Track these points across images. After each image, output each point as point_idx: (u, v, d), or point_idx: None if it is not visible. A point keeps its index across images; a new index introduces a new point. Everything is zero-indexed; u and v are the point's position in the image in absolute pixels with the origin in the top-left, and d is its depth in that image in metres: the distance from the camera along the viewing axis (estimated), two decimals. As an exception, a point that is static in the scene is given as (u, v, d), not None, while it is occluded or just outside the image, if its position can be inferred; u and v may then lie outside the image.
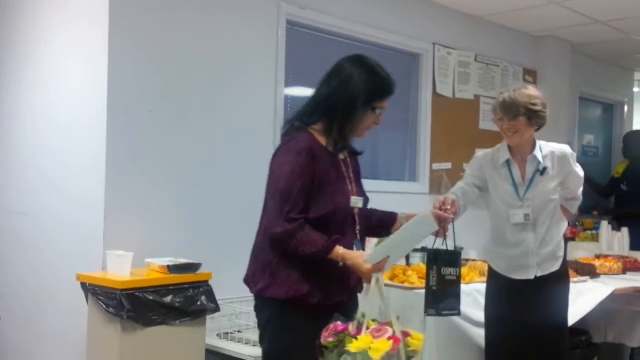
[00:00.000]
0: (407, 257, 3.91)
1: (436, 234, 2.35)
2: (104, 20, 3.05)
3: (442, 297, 2.34)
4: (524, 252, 2.96)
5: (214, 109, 3.40)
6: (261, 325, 2.34)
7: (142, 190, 3.16)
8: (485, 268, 3.57)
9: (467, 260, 3.93)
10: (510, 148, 2.99)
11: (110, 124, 3.06)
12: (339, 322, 2.03)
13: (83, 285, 2.82)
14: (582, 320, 3.63)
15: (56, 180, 3.30)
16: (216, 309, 2.90)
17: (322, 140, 2.28)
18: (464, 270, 3.49)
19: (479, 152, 3.10)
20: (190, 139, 3.32)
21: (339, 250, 2.17)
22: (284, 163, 2.24)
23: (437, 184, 4.66)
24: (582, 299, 3.66)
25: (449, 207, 2.42)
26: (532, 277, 2.93)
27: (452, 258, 2.39)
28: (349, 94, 2.27)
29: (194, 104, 3.35)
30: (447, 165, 4.74)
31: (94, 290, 2.74)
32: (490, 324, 3.04)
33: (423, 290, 3.07)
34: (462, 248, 4.19)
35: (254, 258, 2.33)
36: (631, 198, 6.05)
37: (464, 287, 3.26)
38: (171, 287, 2.77)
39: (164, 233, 3.19)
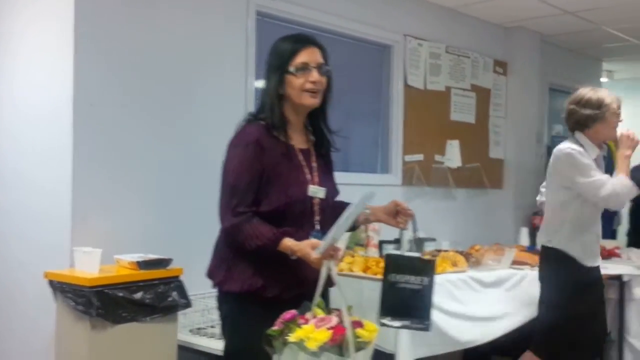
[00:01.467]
0: (381, 249, 3.93)
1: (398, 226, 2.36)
2: (70, 15, 2.99)
3: (399, 306, 2.23)
4: (598, 237, 3.26)
5: (182, 102, 3.36)
6: (221, 319, 2.34)
7: (110, 186, 3.11)
8: (458, 259, 3.60)
9: (439, 251, 3.96)
10: (596, 146, 3.25)
11: (77, 118, 3.00)
12: (292, 311, 2.00)
13: (51, 282, 2.77)
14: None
15: (24, 175, 3.24)
16: (188, 304, 2.88)
17: (274, 132, 2.24)
18: (436, 261, 3.51)
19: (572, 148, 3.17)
20: (158, 133, 3.27)
21: (287, 242, 2.14)
22: (232, 157, 2.23)
23: (410, 175, 4.68)
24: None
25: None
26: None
27: (417, 266, 2.25)
28: (266, 77, 2.27)
29: (162, 98, 3.30)
30: (419, 157, 4.76)
31: (62, 288, 2.70)
32: (583, 318, 3.16)
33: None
34: (434, 239, 4.26)
35: (214, 253, 2.33)
36: None
37: (436, 278, 3.28)
38: (141, 284, 2.73)
39: (133, 229, 3.14)
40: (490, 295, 3.48)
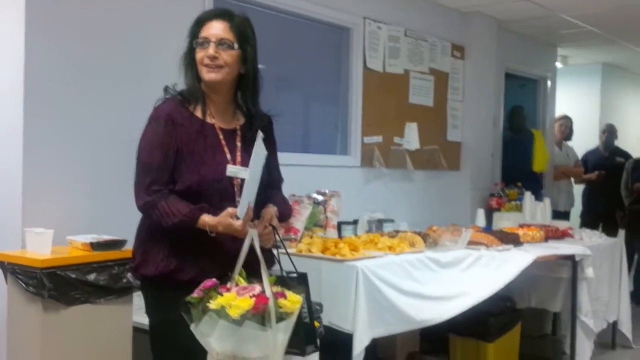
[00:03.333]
0: (340, 230, 3.94)
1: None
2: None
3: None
4: None
5: (135, 81, 3.29)
6: (145, 301, 2.31)
7: (62, 166, 3.04)
8: (416, 240, 3.64)
9: (397, 231, 3.99)
10: None
11: (28, 97, 2.92)
12: (212, 279, 1.96)
13: (1, 264, 2.70)
14: (507, 287, 3.77)
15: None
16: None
17: (191, 108, 2.20)
18: (394, 241, 3.55)
19: None
20: (111, 112, 3.21)
21: (205, 218, 2.08)
22: (144, 134, 2.19)
23: (369, 157, 4.69)
24: (506, 267, 3.80)
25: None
26: None
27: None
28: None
29: (114, 76, 3.23)
30: (379, 138, 4.77)
31: (13, 269, 2.63)
32: None
33: (355, 263, 3.13)
34: (392, 220, 4.29)
35: (135, 236, 2.29)
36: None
37: (394, 258, 3.34)
38: (95, 265, 2.68)
39: (86, 209, 3.08)
40: (447, 275, 3.52)
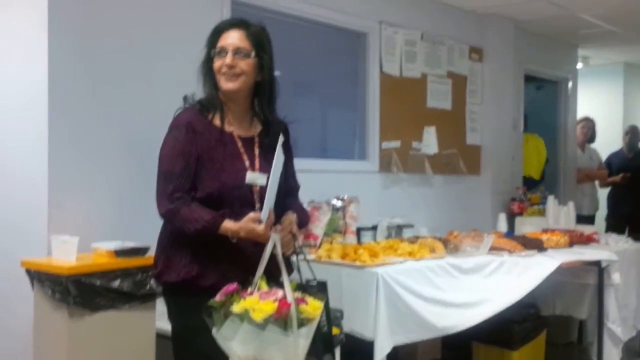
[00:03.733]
0: (359, 236, 3.94)
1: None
2: (43, 1, 2.95)
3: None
4: None
5: (157, 88, 3.33)
6: (167, 307, 2.33)
7: (87, 173, 3.09)
8: (436, 245, 3.62)
9: (417, 237, 3.98)
10: None
11: (52, 105, 2.97)
12: (234, 284, 1.99)
13: (28, 271, 2.74)
14: (531, 294, 3.73)
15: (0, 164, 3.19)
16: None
17: (209, 116, 2.23)
18: (414, 247, 3.54)
19: None
20: (135, 119, 3.25)
21: (228, 224, 2.10)
22: (166, 143, 2.22)
23: (387, 162, 4.69)
24: (530, 273, 3.75)
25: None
26: None
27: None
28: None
29: (137, 83, 3.27)
30: (397, 143, 4.77)
31: (39, 277, 2.67)
32: None
33: (375, 269, 3.13)
34: (412, 225, 4.28)
35: (157, 243, 2.31)
36: None
37: (414, 264, 3.33)
38: (119, 272, 2.71)
39: (110, 217, 3.12)
40: (469, 282, 3.49)
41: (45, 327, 2.68)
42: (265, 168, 2.19)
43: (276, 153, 2.10)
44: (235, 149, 2.23)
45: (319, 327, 2.07)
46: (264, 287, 2.00)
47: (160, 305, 2.91)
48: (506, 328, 4.09)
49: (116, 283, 2.69)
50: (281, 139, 2.15)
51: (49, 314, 2.64)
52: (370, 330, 3.04)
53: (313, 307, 1.95)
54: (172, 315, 2.32)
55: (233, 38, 2.21)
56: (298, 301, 1.94)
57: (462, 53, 5.39)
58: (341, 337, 2.98)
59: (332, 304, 2.88)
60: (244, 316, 1.89)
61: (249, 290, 1.99)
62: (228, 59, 2.19)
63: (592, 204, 6.79)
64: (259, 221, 2.08)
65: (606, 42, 6.80)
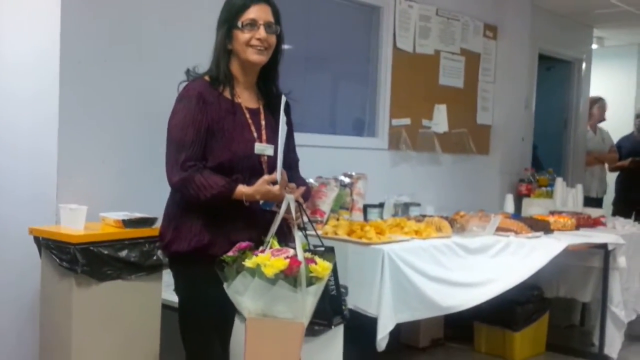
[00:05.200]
0: (366, 213, 3.94)
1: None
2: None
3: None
4: None
5: (168, 57, 3.30)
6: (174, 279, 2.36)
7: (97, 143, 3.08)
8: (442, 225, 3.62)
9: (424, 216, 3.98)
10: None
11: (64, 75, 2.95)
12: (248, 242, 2.06)
13: (36, 239, 2.75)
14: (535, 276, 3.74)
15: (7, 134, 3.18)
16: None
17: (220, 89, 2.26)
18: (421, 226, 3.54)
19: None
20: (145, 89, 3.23)
21: (242, 188, 2.15)
22: (176, 112, 2.24)
23: (396, 139, 4.67)
24: (536, 255, 3.76)
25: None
26: None
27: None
28: (216, 28, 2.29)
29: (148, 53, 3.25)
30: (407, 121, 4.74)
31: (47, 245, 2.68)
32: None
33: (381, 246, 3.14)
34: (419, 204, 4.28)
35: (164, 214, 2.34)
36: None
37: (420, 243, 3.33)
38: (126, 242, 2.71)
39: (119, 186, 3.12)
40: (474, 262, 3.50)
41: (52, 296, 2.70)
42: (272, 139, 2.26)
43: (280, 117, 2.16)
44: (244, 119, 2.27)
45: (327, 290, 2.15)
46: (276, 246, 2.06)
47: (167, 276, 2.94)
48: (509, 309, 4.11)
49: (124, 253, 2.70)
50: (284, 99, 2.21)
51: (56, 283, 2.65)
52: (375, 307, 3.06)
53: (322, 267, 2.02)
54: (179, 286, 2.34)
55: (264, 12, 2.26)
56: (308, 261, 2.01)
57: (477, 30, 5.32)
58: (345, 313, 3.00)
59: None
60: (256, 271, 1.95)
61: (261, 248, 2.06)
62: (262, 32, 2.24)
63: (600, 186, 6.75)
64: (273, 183, 2.12)
65: (622, 22, 6.70)
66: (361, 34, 4.61)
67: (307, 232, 2.21)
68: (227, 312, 2.25)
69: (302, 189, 2.26)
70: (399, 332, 3.51)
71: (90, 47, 3.04)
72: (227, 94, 2.27)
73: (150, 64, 3.27)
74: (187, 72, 2.35)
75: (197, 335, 2.30)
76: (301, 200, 2.25)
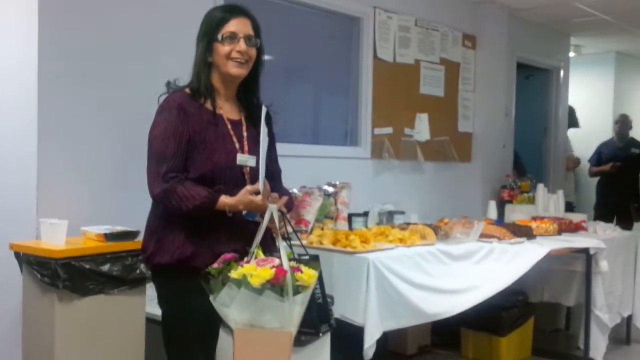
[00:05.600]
0: (350, 222, 3.94)
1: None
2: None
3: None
4: None
5: (149, 72, 3.30)
6: (157, 292, 2.33)
7: (76, 157, 3.06)
8: (427, 232, 3.63)
9: (408, 224, 3.98)
10: None
11: (42, 88, 2.94)
12: (232, 253, 2.05)
13: (17, 254, 2.72)
14: (520, 281, 3.75)
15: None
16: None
17: (201, 101, 2.26)
18: (405, 233, 3.54)
19: None
20: (125, 103, 3.22)
21: (225, 199, 2.14)
22: (157, 124, 2.23)
23: (379, 148, 4.68)
24: (519, 260, 3.78)
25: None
26: None
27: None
28: (196, 42, 2.30)
29: (128, 67, 3.24)
30: (389, 130, 4.76)
31: (28, 260, 2.65)
32: None
33: (366, 255, 3.14)
34: (403, 212, 4.29)
35: (146, 227, 2.32)
36: None
37: (405, 251, 3.34)
38: (108, 256, 2.69)
39: (100, 200, 3.10)
40: (459, 268, 3.50)
41: (34, 311, 2.67)
42: (254, 150, 2.25)
43: (262, 127, 2.16)
44: (226, 130, 2.27)
45: (313, 298, 2.12)
46: (261, 256, 2.06)
47: (151, 290, 2.91)
48: (495, 314, 4.12)
49: (106, 267, 2.67)
50: (264, 111, 2.21)
51: (38, 298, 2.62)
52: (361, 315, 3.05)
53: (308, 275, 2.01)
54: (163, 299, 2.31)
55: (244, 25, 2.27)
56: (293, 270, 2.00)
57: (456, 40, 5.37)
58: (332, 322, 2.99)
59: (323, 290, 2.88)
60: (242, 282, 1.94)
61: (246, 259, 2.05)
62: (242, 45, 2.24)
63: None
64: (256, 193, 2.12)
65: (599, 31, 6.80)
66: (342, 44, 4.64)
67: (292, 242, 2.20)
68: (212, 324, 2.24)
69: (285, 198, 2.25)
70: (386, 339, 3.50)
71: (68, 61, 3.03)
72: (208, 105, 2.26)
73: (129, 78, 3.26)
74: (168, 84, 2.35)
75: (182, 348, 2.27)
76: (284, 210, 2.24)
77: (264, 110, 2.22)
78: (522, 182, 5.51)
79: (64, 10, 3.01)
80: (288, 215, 2.29)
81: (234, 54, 2.24)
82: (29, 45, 2.95)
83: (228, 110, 2.32)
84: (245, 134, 2.31)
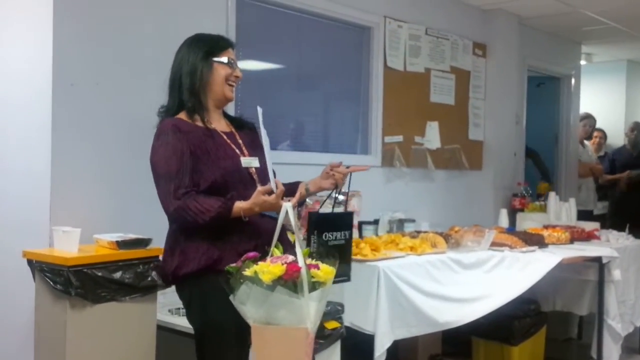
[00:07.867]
0: (360, 230, 3.94)
1: (335, 187, 2.47)
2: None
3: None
4: None
5: (162, 81, 3.32)
6: (186, 306, 2.35)
7: (90, 165, 3.08)
8: (437, 240, 3.62)
9: (419, 232, 3.98)
10: None
11: (56, 97, 2.97)
12: (254, 252, 2.07)
13: (30, 262, 2.74)
14: (531, 290, 3.73)
15: (3, 155, 3.18)
16: (167, 284, 2.86)
17: (193, 118, 2.36)
18: (416, 241, 3.54)
19: None
20: (138, 111, 3.23)
21: (239, 204, 2.19)
22: (156, 148, 2.30)
23: (390, 157, 4.69)
24: (531, 269, 3.76)
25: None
26: None
27: (339, 222, 2.42)
28: (185, 62, 2.39)
29: (141, 77, 3.26)
30: (399, 138, 4.77)
31: (41, 267, 2.67)
32: None
33: (376, 263, 3.14)
34: (414, 220, 4.28)
35: (165, 246, 2.38)
36: None
37: (416, 259, 3.33)
38: (121, 264, 2.70)
39: (112, 208, 3.12)
40: (470, 277, 3.49)
41: (46, 319, 2.68)
42: (253, 153, 2.37)
43: (261, 131, 2.25)
44: (222, 141, 2.37)
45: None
46: (278, 253, 2.07)
47: (162, 297, 2.93)
48: (506, 323, 4.10)
49: (118, 274, 2.68)
50: (259, 111, 2.26)
51: (50, 305, 2.63)
52: (371, 324, 3.05)
53: (325, 272, 2.01)
54: (195, 311, 2.32)
55: (233, 55, 2.46)
56: (310, 267, 2.00)
57: (466, 48, 5.38)
58: (342, 330, 2.99)
59: (333, 298, 2.89)
60: (254, 279, 1.95)
61: (266, 259, 2.05)
62: (239, 72, 2.43)
63: (592, 198, 6.81)
64: (269, 193, 2.17)
65: (610, 39, 6.78)
66: (352, 53, 4.65)
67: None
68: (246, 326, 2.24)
69: (297, 194, 2.34)
70: (396, 348, 3.49)
71: (83, 69, 3.06)
72: (199, 123, 2.36)
73: (143, 89, 3.28)
74: (159, 113, 2.47)
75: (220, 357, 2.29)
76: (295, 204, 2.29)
77: (259, 110, 2.27)
78: (542, 182, 5.50)
79: (79, 19, 3.04)
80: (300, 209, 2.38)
81: (232, 78, 2.40)
82: (44, 54, 2.98)
83: (218, 125, 2.43)
84: (240, 141, 2.42)
